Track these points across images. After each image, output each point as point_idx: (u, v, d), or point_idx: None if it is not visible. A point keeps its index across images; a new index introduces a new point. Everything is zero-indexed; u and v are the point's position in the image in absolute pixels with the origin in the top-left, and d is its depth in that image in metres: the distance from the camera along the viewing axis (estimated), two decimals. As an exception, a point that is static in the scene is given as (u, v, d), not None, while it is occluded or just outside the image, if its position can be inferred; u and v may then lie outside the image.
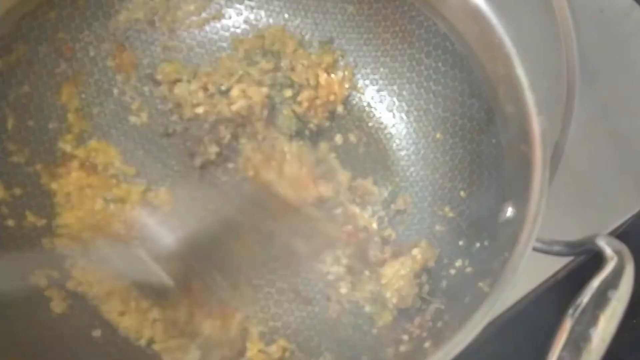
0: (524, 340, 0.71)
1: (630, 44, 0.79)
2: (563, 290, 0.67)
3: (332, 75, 0.68)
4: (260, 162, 0.65)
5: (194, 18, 0.68)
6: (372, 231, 0.64)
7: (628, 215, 0.70)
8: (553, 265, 0.65)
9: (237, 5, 0.69)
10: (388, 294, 0.60)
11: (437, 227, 0.63)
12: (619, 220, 0.69)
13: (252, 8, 0.69)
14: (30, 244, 0.59)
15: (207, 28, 0.69)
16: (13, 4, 0.58)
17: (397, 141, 0.67)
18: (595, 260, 0.49)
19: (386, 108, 0.68)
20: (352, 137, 0.68)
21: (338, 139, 0.68)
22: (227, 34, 0.69)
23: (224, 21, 0.69)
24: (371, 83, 0.69)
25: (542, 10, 0.76)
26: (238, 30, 0.69)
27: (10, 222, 0.58)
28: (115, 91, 0.66)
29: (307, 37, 0.69)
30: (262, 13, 0.69)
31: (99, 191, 0.62)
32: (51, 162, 0.62)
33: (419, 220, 0.64)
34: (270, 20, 0.69)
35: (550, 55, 0.74)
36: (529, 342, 0.70)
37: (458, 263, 0.58)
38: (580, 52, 0.75)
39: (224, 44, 0.69)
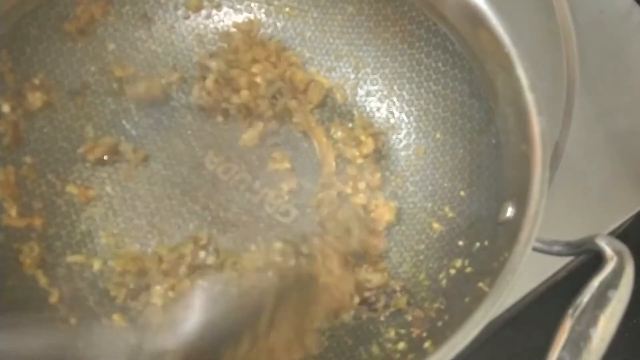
0: (524, 340, 0.71)
1: (630, 44, 0.80)
2: (563, 290, 0.67)
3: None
4: None
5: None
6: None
7: (628, 215, 0.70)
8: (553, 265, 0.65)
9: (237, 6, 0.70)
10: None
11: (436, 227, 0.63)
12: (619, 220, 0.69)
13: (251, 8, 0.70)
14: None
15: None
16: (13, 4, 0.58)
17: (398, 141, 0.68)
18: (595, 260, 0.49)
19: (386, 108, 0.68)
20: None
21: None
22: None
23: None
24: (371, 83, 0.69)
25: (542, 11, 0.76)
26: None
27: None
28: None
29: (307, 36, 0.69)
30: (263, 11, 0.70)
31: None
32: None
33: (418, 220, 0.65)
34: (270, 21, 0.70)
35: (550, 56, 0.74)
36: (529, 342, 0.70)
37: (458, 263, 0.58)
38: (580, 52, 0.75)
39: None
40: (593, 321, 0.45)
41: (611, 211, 0.70)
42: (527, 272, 0.48)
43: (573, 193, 0.69)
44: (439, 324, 0.54)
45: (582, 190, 0.70)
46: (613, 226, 0.69)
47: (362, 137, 0.67)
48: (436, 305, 0.57)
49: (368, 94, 0.69)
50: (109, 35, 0.66)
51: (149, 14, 0.67)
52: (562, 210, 0.65)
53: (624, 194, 0.71)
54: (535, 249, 0.50)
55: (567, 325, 0.45)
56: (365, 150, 0.66)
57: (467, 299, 0.52)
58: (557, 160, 0.69)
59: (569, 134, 0.70)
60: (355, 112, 0.69)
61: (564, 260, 0.64)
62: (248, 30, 0.69)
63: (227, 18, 0.70)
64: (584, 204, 0.69)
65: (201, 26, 0.69)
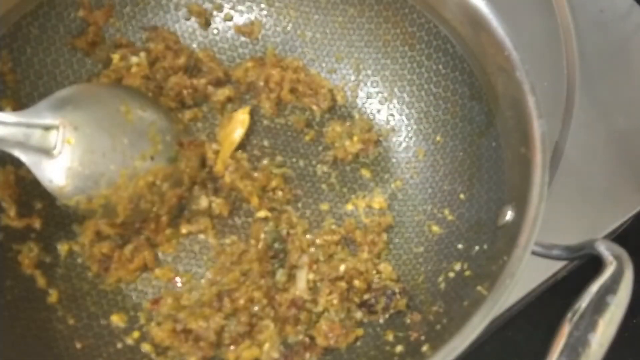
0: (523, 340, 0.71)
1: (630, 44, 0.79)
2: (563, 289, 0.67)
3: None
4: None
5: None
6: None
7: (627, 216, 0.70)
8: (553, 265, 0.65)
9: (239, 7, 0.70)
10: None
11: (435, 229, 0.63)
12: (618, 220, 0.69)
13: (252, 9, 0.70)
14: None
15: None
16: (13, 4, 0.58)
17: (398, 143, 0.68)
18: (595, 262, 0.49)
19: (386, 110, 0.68)
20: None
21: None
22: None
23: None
24: (372, 85, 0.69)
25: (542, 11, 0.76)
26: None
27: None
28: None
29: (308, 37, 0.69)
30: (264, 12, 0.70)
31: None
32: None
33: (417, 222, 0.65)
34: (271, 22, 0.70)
35: (550, 56, 0.74)
36: (529, 342, 0.70)
37: (457, 266, 0.58)
38: (580, 52, 0.74)
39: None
40: (592, 326, 0.45)
41: (611, 211, 0.70)
42: (527, 272, 0.48)
43: (572, 192, 0.69)
44: (437, 327, 0.54)
45: (581, 189, 0.70)
46: (613, 226, 0.69)
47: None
48: (435, 308, 0.57)
49: (369, 96, 0.69)
50: (110, 36, 0.66)
51: (150, 15, 0.67)
52: (562, 210, 0.65)
53: (624, 195, 0.71)
54: (534, 253, 0.50)
55: (565, 330, 0.45)
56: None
57: (465, 303, 0.52)
58: (557, 160, 0.69)
59: (569, 134, 0.70)
60: (355, 114, 0.69)
61: (563, 261, 0.64)
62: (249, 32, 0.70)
63: (228, 20, 0.70)
64: (584, 204, 0.69)
65: (202, 27, 0.69)
